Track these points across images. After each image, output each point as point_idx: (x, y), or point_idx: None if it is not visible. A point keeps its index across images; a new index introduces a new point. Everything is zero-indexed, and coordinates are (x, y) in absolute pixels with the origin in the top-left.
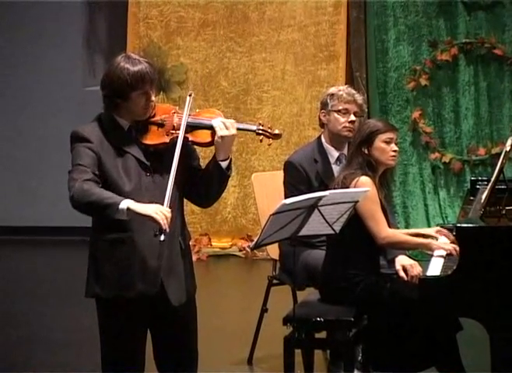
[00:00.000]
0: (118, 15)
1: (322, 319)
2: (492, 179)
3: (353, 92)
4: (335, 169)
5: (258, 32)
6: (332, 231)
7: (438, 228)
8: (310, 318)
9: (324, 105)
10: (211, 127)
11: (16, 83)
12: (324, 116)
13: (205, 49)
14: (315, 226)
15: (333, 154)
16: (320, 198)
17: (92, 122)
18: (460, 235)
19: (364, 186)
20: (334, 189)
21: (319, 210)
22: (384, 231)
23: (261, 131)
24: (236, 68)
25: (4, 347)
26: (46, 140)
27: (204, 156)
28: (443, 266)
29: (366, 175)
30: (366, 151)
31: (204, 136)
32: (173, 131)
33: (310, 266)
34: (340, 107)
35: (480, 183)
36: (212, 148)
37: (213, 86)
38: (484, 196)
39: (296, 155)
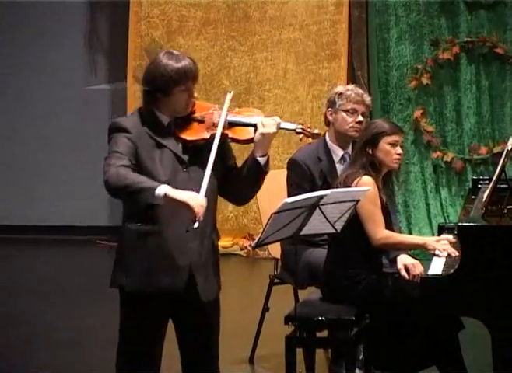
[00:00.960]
0: (120, 14)
1: (324, 318)
2: (494, 178)
3: (361, 92)
4: (339, 167)
5: (260, 31)
6: (334, 230)
7: (439, 237)
8: (311, 318)
9: (331, 103)
10: (251, 125)
11: (18, 82)
12: (331, 114)
13: (207, 48)
14: (317, 225)
15: (337, 152)
16: (321, 197)
17: (132, 115)
18: (461, 234)
19: (365, 185)
20: (337, 188)
21: (320, 210)
22: (379, 232)
23: (300, 130)
24: (238, 67)
25: (6, 347)
26: (48, 139)
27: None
28: (445, 265)
29: (369, 175)
30: (371, 152)
31: (244, 133)
32: (213, 128)
33: (312, 265)
34: (348, 107)
35: (482, 182)
36: (243, 147)
37: (215, 85)
38: (485, 196)
39: (300, 153)
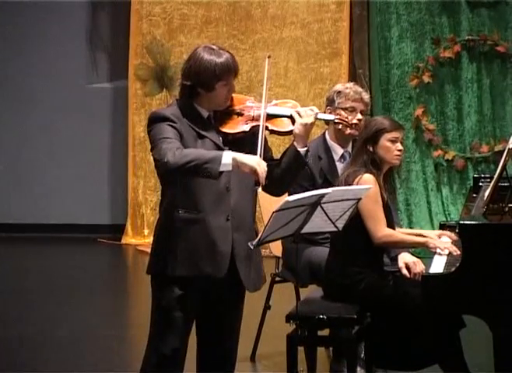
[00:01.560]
0: (121, 12)
1: (325, 317)
2: (495, 176)
3: (360, 90)
4: (339, 166)
5: (261, 29)
6: (335, 229)
7: (440, 231)
8: (312, 316)
9: (330, 102)
10: (290, 116)
11: (19, 81)
12: (330, 112)
13: None
14: (318, 223)
15: (337, 151)
16: (323, 195)
17: (171, 106)
18: (463, 233)
19: (366, 183)
20: (338, 186)
21: (322, 208)
22: (380, 230)
23: (338, 120)
24: (239, 65)
25: (6, 346)
26: (49, 136)
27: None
28: (446, 263)
29: (370, 172)
30: (371, 149)
31: (283, 124)
32: (253, 120)
33: (313, 264)
34: (347, 105)
35: (483, 180)
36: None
37: None
38: (487, 194)
39: None
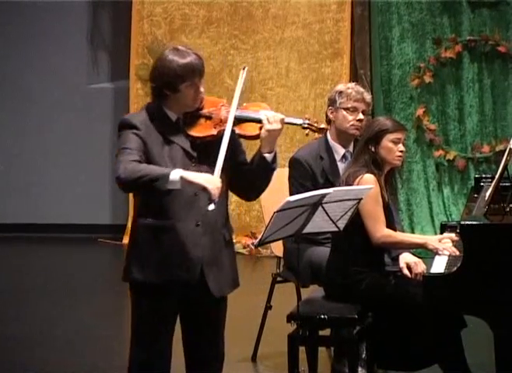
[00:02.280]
0: (122, 12)
1: (326, 317)
2: (497, 176)
3: (362, 90)
4: (341, 166)
5: (262, 29)
6: (336, 229)
7: (441, 236)
8: (314, 316)
9: (332, 102)
10: (258, 120)
11: (20, 81)
12: (332, 113)
13: (209, 46)
14: (319, 223)
15: (339, 151)
16: (324, 195)
17: (140, 111)
18: (464, 233)
19: (367, 183)
20: (339, 186)
21: (323, 208)
22: (380, 230)
23: (307, 125)
24: (241, 66)
25: (6, 345)
26: (50, 137)
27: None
28: (448, 263)
29: (371, 172)
30: (373, 149)
31: (251, 129)
32: (221, 124)
33: (314, 264)
34: (349, 105)
35: (484, 180)
36: (256, 142)
37: (217, 83)
38: (488, 194)
39: (301, 152)
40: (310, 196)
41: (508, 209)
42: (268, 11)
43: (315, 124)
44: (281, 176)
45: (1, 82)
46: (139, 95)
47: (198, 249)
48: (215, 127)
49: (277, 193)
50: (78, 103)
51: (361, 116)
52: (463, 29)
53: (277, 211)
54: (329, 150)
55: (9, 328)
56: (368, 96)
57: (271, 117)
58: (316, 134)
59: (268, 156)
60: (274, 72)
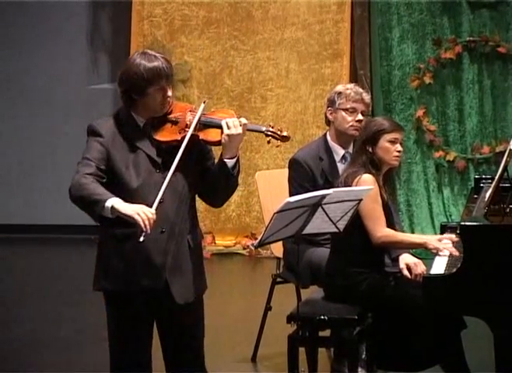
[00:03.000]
0: (122, 13)
1: (326, 317)
2: (496, 177)
3: (361, 90)
4: (340, 167)
5: (262, 30)
6: (336, 230)
7: (440, 236)
8: (314, 317)
9: (331, 103)
10: (219, 126)
11: (20, 82)
12: (331, 113)
13: (209, 47)
14: (319, 224)
15: (338, 152)
16: (324, 196)
17: (109, 117)
18: (464, 234)
19: (366, 183)
20: (338, 187)
21: (323, 209)
22: (380, 230)
23: (269, 133)
24: (240, 66)
25: (6, 346)
26: (50, 138)
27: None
28: (448, 264)
29: (369, 173)
30: (371, 150)
31: (214, 135)
32: (186, 129)
33: (314, 264)
34: (348, 106)
35: (484, 181)
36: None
37: (217, 84)
38: (488, 195)
39: (301, 153)
40: (309, 197)
41: (508, 210)
42: (268, 11)
43: (278, 132)
44: (280, 178)
45: (1, 83)
46: None
47: (161, 256)
48: (179, 132)
49: (277, 194)
50: (78, 104)
51: (360, 116)
52: (463, 30)
53: (277, 212)
54: (329, 151)
55: (11, 329)
56: (367, 97)
57: (230, 122)
58: (278, 141)
59: (229, 162)
60: (274, 73)
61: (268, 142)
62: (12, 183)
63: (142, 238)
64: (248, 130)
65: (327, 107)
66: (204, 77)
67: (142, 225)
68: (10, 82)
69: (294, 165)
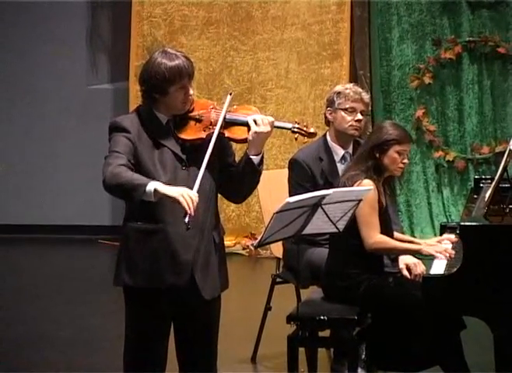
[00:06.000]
0: (122, 13)
1: (326, 318)
2: (496, 177)
3: (360, 90)
4: (340, 167)
5: (262, 30)
6: (336, 230)
7: (439, 238)
8: (313, 317)
9: (330, 103)
10: (246, 124)
11: (19, 82)
12: (331, 114)
13: (209, 47)
14: (319, 224)
15: (338, 152)
16: (323, 196)
17: (131, 113)
18: (464, 234)
19: None
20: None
21: (323, 209)
22: (373, 237)
23: (296, 129)
24: (240, 67)
25: (7, 346)
26: (50, 138)
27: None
28: (447, 264)
29: (370, 178)
30: (378, 156)
31: (240, 132)
32: (210, 127)
33: (314, 265)
34: (347, 106)
35: (484, 181)
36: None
37: (217, 85)
38: (488, 195)
39: (301, 153)
40: (309, 198)
41: (508, 210)
42: (268, 12)
43: (304, 129)
44: (280, 178)
45: (1, 83)
46: (139, 97)
47: (188, 253)
48: (204, 130)
49: (277, 194)
50: (78, 104)
51: (359, 116)
52: (463, 30)
53: (276, 212)
54: (328, 151)
55: (12, 329)
56: (366, 96)
57: (258, 119)
58: (305, 138)
59: (255, 158)
60: (273, 73)
61: (296, 139)
62: (12, 183)
63: (186, 220)
64: (275, 127)
65: (327, 107)
66: (204, 77)
67: (186, 207)
68: (10, 82)
69: (294, 166)
